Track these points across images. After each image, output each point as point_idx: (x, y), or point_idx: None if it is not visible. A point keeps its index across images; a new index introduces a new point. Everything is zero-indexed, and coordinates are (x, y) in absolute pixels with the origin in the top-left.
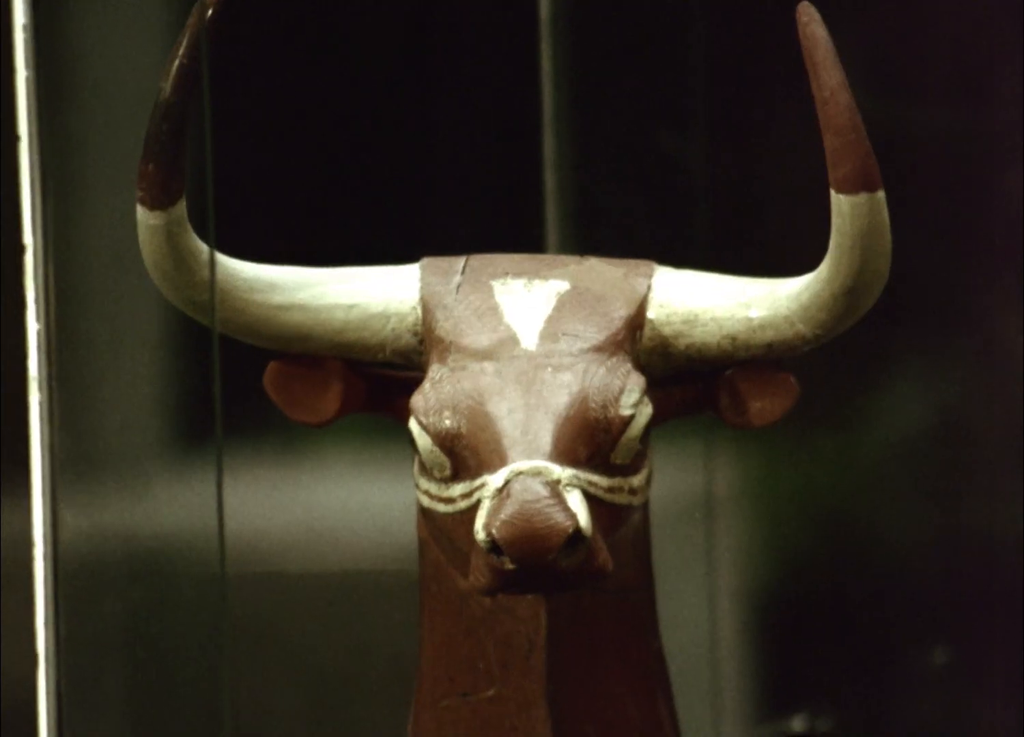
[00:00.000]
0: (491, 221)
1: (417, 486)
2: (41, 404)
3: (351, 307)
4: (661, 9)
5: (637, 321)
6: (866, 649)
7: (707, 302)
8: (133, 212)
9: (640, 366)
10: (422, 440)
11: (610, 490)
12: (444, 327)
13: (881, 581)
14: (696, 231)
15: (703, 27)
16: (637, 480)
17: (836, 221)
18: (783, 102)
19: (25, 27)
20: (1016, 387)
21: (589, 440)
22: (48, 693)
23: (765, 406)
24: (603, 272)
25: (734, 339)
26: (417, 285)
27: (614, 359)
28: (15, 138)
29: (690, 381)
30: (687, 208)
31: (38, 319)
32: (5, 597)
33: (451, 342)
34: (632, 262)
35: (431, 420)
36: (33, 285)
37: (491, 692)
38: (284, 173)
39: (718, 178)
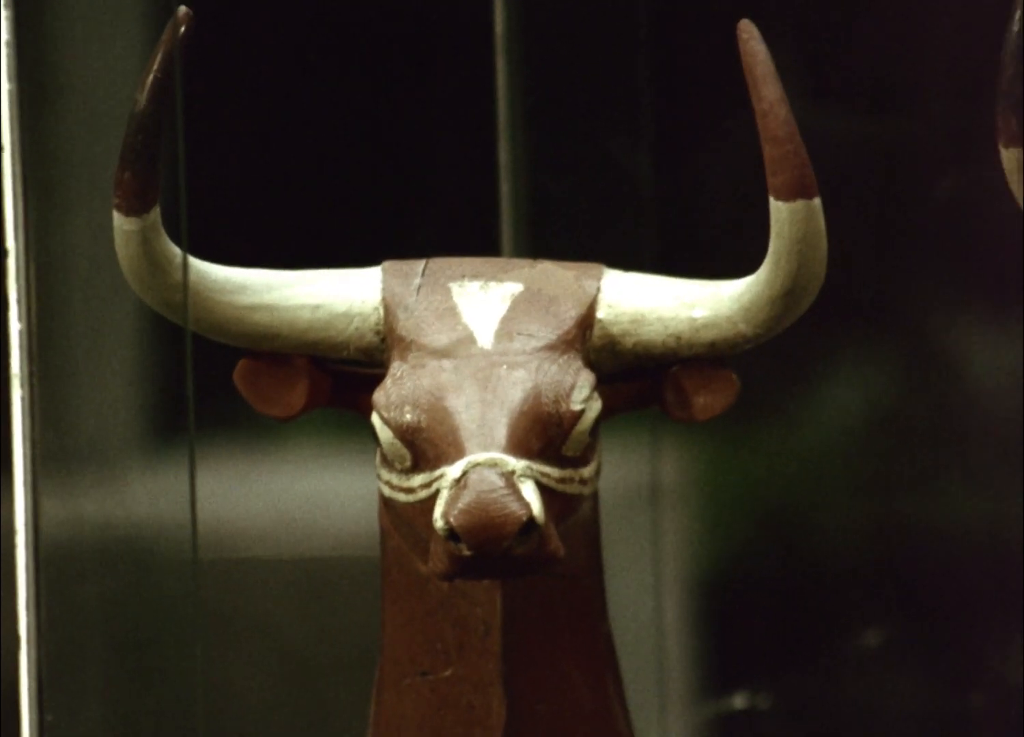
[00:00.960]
0: (449, 227)
1: (379, 477)
2: (23, 400)
3: (316, 307)
4: (610, 24)
5: (587, 321)
6: (803, 632)
7: (653, 303)
8: (110, 218)
9: (590, 363)
10: (384, 433)
11: (561, 481)
12: (405, 326)
13: (818, 567)
14: (644, 236)
15: (651, 41)
16: (587, 471)
17: (775, 226)
18: (726, 113)
19: (8, 43)
20: (944, 382)
21: (542, 433)
22: (30, 672)
23: (708, 401)
24: (555, 275)
25: (678, 338)
26: (379, 287)
27: (565, 357)
28: None
29: (637, 378)
30: (635, 214)
31: (20, 319)
32: None
33: (411, 341)
34: (582, 265)
35: (392, 414)
36: (15, 287)
37: (449, 672)
38: (253, 181)
39: (665, 186)
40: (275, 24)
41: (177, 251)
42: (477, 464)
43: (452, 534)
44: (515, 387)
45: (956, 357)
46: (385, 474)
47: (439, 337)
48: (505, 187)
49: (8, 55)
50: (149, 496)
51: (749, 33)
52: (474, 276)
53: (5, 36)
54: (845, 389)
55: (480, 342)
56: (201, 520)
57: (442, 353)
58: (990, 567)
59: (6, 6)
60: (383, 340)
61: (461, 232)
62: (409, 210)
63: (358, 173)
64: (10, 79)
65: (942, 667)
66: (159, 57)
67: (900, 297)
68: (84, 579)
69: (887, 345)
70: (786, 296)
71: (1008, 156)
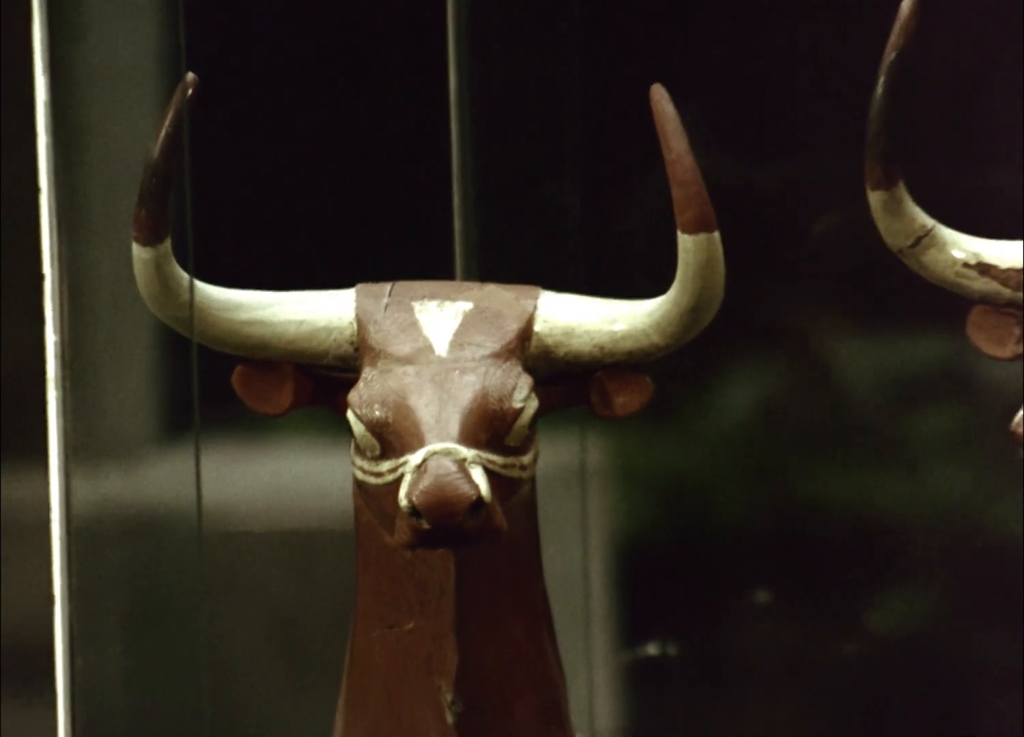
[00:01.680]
0: (412, 257)
1: (353, 463)
2: (57, 400)
3: (301, 323)
4: (546, 88)
5: (526, 333)
6: (704, 591)
7: (580, 318)
8: (130, 248)
9: (528, 369)
10: (357, 427)
11: (505, 466)
12: (375, 338)
13: (716, 536)
14: (573, 263)
15: (582, 102)
16: (526, 459)
17: (682, 255)
18: (643, 161)
19: (45, 103)
20: (817, 382)
21: (488, 427)
22: (62, 628)
23: (626, 401)
24: (499, 295)
25: (602, 348)
26: (353, 305)
27: (508, 363)
28: (37, 190)
29: (567, 381)
30: (566, 245)
31: (55, 332)
32: (28, 551)
33: (380, 350)
34: (522, 287)
35: (364, 411)
36: (51, 305)
37: (411, 625)
38: (248, 218)
39: (590, 221)
40: (234, 49)
41: (185, 275)
42: (435, 453)
43: (414, 511)
44: (466, 388)
45: (827, 362)
46: (358, 461)
47: (403, 347)
48: (458, 224)
49: (45, 114)
50: (161, 479)
51: (660, 95)
52: (432, 296)
53: (43, 96)
54: (738, 389)
55: (437, 351)
56: (205, 499)
57: (405, 360)
58: (858, 535)
59: (43, 72)
60: (356, 350)
61: (422, 261)
62: (380, 242)
63: (339, 213)
64: (47, 133)
65: (820, 621)
66: (170, 115)
67: (782, 313)
68: (106, 549)
69: (772, 352)
70: (691, 313)
71: (874, 198)
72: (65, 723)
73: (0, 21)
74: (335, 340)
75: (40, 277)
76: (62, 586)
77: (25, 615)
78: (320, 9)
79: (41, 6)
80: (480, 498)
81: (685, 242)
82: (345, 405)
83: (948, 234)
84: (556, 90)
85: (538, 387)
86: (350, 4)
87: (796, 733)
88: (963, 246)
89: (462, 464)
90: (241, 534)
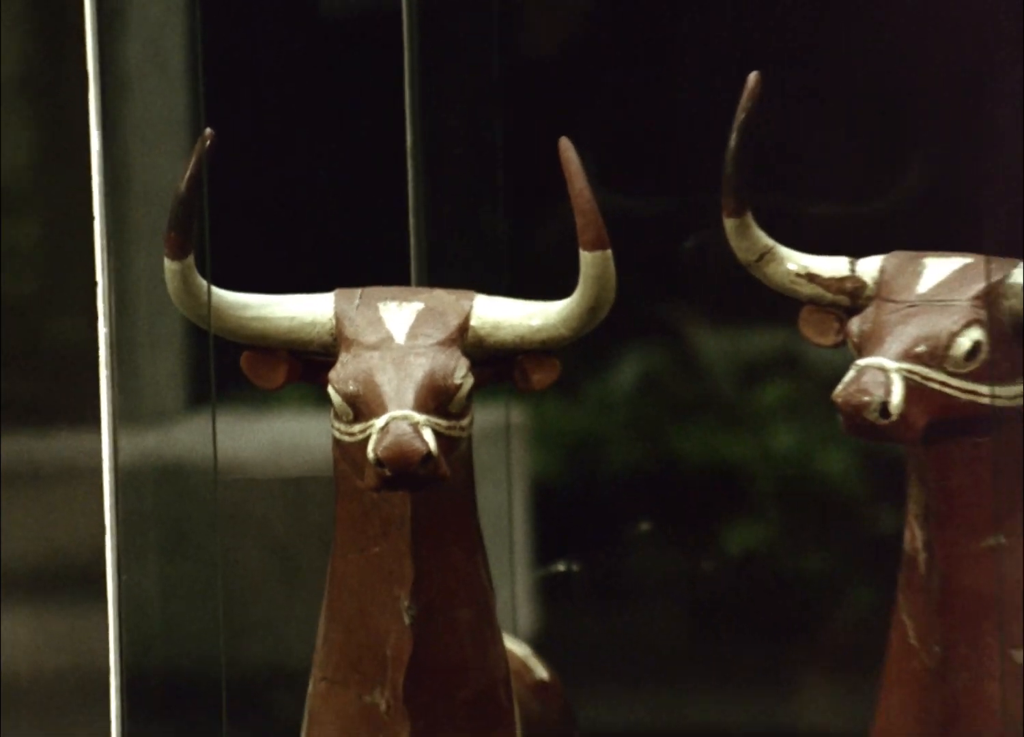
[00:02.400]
0: (377, 268)
1: (332, 425)
2: (107, 377)
3: (292, 318)
4: (480, 131)
5: (464, 327)
6: (602, 522)
7: (506, 315)
8: (162, 262)
9: (466, 353)
10: (335, 398)
11: (448, 428)
12: (349, 330)
13: (611, 479)
14: (502, 272)
15: (509, 142)
16: (465, 422)
17: (582, 267)
18: (557, 192)
19: (98, 153)
20: (687, 362)
21: (435, 398)
22: (111, 552)
23: (541, 377)
24: (444, 298)
25: (522, 338)
26: (332, 306)
27: (450, 349)
28: (92, 217)
29: (496, 363)
30: (496, 258)
31: (105, 325)
32: (85, 492)
33: (353, 340)
34: (462, 291)
35: (340, 386)
36: (102, 305)
37: (377, 549)
38: (251, 238)
39: (517, 239)
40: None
41: (204, 282)
42: (395, 418)
43: (379, 462)
44: (419, 368)
45: (693, 347)
46: (336, 423)
47: (370, 337)
48: (413, 242)
49: (99, 158)
50: (187, 437)
51: (566, 145)
52: (393, 298)
53: (96, 146)
54: (626, 367)
55: (396, 340)
56: (220, 453)
57: (372, 347)
58: (717, 480)
59: (96, 126)
60: (335, 339)
61: (385, 271)
62: (354, 258)
63: (325, 239)
64: (100, 173)
65: (688, 545)
66: (193, 159)
67: (660, 311)
68: (145, 491)
69: (652, 340)
70: (589, 312)
71: (728, 223)
72: (114, 627)
73: (62, 84)
74: (318, 332)
75: (94, 283)
76: (111, 520)
77: (82, 543)
78: (312, 75)
79: (96, 73)
80: (429, 452)
81: (585, 257)
82: (327, 381)
83: (785, 251)
84: (491, 139)
85: (473, 368)
86: (329, 74)
87: (669, 629)
88: (795, 260)
89: (416, 426)
90: (248, 480)
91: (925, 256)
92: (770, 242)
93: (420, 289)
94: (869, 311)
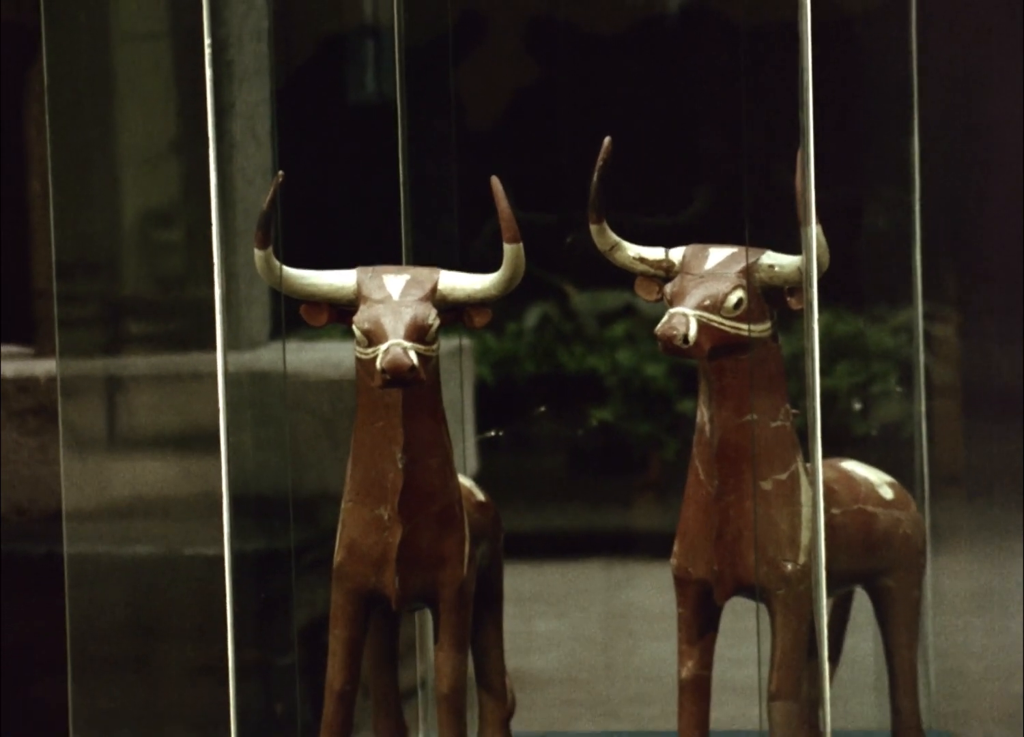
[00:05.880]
0: (383, 255)
1: (355, 349)
2: (221, 322)
3: (331, 285)
4: (437, 172)
5: (434, 289)
6: (517, 407)
7: (460, 283)
8: (252, 250)
9: (435, 305)
10: (357, 331)
11: (425, 351)
12: (364, 291)
13: (524, 381)
14: (457, 259)
15: (459, 180)
16: (435, 347)
17: (505, 253)
18: (492, 211)
19: (215, 185)
20: (567, 308)
21: (417, 333)
22: (224, 424)
23: (480, 320)
24: (422, 272)
25: (469, 296)
26: (355, 277)
27: (426, 303)
28: (210, 224)
29: (453, 311)
30: (454, 250)
31: (219, 294)
32: (210, 390)
33: (367, 297)
34: (433, 268)
35: (360, 325)
36: (217, 280)
37: (381, 423)
38: (304, 234)
39: (467, 240)
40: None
41: (278, 263)
42: (393, 344)
43: (383, 371)
44: (407, 314)
45: (570, 303)
46: (357, 348)
47: (377, 295)
48: (404, 240)
49: (215, 192)
50: (267, 354)
51: (496, 183)
52: (391, 272)
53: (214, 181)
54: (531, 314)
55: (393, 297)
56: (288, 367)
57: (379, 302)
58: (583, 380)
59: (214, 172)
60: (356, 297)
61: (387, 257)
62: (369, 250)
63: (353, 238)
64: (216, 198)
65: (567, 419)
66: (271, 190)
67: (552, 280)
68: (243, 392)
69: (547, 298)
70: (508, 281)
71: (593, 229)
72: (225, 467)
73: (197, 145)
74: (346, 293)
75: (211, 266)
76: (223, 406)
77: (207, 417)
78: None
79: (213, 138)
80: (413, 365)
81: (506, 247)
82: (352, 322)
83: (626, 244)
84: (448, 175)
85: (440, 314)
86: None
87: (560, 466)
88: (633, 249)
89: (405, 350)
90: (304, 383)
91: (709, 247)
92: (617, 238)
93: (407, 267)
94: (676, 280)
